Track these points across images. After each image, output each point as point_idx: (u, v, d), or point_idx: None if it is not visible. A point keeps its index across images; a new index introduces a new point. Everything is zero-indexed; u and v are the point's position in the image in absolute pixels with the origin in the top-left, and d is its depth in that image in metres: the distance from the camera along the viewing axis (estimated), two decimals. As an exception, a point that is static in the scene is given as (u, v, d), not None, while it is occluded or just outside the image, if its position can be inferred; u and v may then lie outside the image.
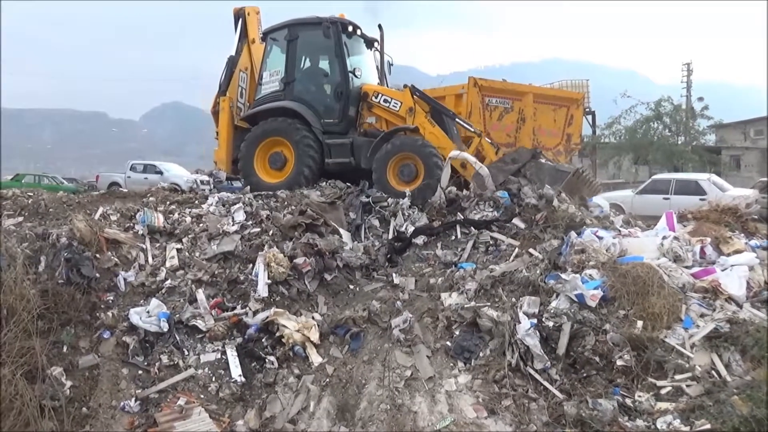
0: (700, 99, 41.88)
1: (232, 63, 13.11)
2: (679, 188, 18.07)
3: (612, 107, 39.36)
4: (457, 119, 11.43)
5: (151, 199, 10.12)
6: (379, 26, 13.23)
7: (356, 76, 12.04)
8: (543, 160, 10.46)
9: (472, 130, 11.27)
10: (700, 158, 37.82)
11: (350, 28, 12.24)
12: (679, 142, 40.94)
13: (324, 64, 12.49)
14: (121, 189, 14.60)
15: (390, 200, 9.83)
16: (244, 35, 13.32)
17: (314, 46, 12.38)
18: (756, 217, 9.22)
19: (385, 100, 11.75)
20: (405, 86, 11.88)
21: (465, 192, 10.00)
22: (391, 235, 9.16)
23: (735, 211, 8.93)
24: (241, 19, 13.35)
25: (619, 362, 5.91)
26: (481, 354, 6.51)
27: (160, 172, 31.11)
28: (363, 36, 12.72)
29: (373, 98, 11.86)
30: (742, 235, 8.18)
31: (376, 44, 13.16)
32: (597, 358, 6.04)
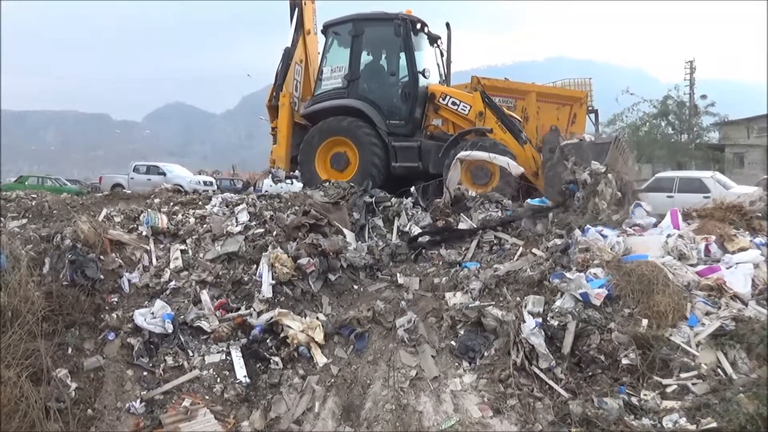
0: (703, 96, 41.84)
1: (288, 55, 12.73)
2: (683, 186, 18.04)
3: (618, 105, 39.35)
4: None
5: (155, 200, 10.12)
6: (447, 25, 12.98)
7: (425, 77, 11.80)
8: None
9: (524, 138, 11.20)
10: (704, 155, 37.79)
11: (418, 26, 12.00)
12: (683, 140, 40.90)
13: (390, 62, 12.21)
14: (124, 190, 14.64)
15: (393, 200, 9.79)
16: (300, 25, 12.96)
17: (380, 43, 12.13)
18: (760, 214, 9.18)
19: (453, 103, 11.53)
20: (474, 89, 11.66)
21: (471, 192, 9.96)
22: (395, 236, 9.13)
23: (739, 208, 8.89)
24: (297, 9, 12.99)
25: (624, 361, 5.90)
26: (485, 353, 6.50)
27: (164, 173, 31.18)
28: (428, 33, 12.46)
29: (441, 100, 11.64)
30: (747, 232, 8.14)
31: (438, 42, 12.88)
32: (602, 357, 6.03)
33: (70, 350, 6.83)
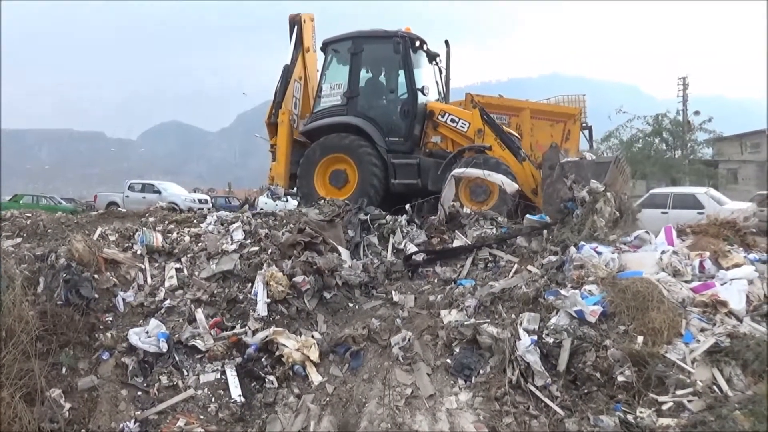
0: (697, 113, 42.09)
1: (287, 72, 12.78)
2: (677, 202, 18.08)
3: (611, 122, 39.56)
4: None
5: (149, 218, 10.11)
6: (446, 42, 13.05)
7: (424, 94, 11.82)
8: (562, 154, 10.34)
9: (522, 155, 11.24)
10: (698, 172, 37.96)
11: (417, 43, 12.06)
12: (677, 156, 41.08)
13: (389, 80, 12.26)
14: (119, 209, 14.61)
15: (388, 218, 9.79)
16: (299, 43, 13.03)
17: (380, 60, 12.19)
18: (754, 230, 9.21)
19: (452, 120, 11.56)
20: (474, 106, 11.70)
21: (465, 209, 9.97)
22: (390, 253, 9.14)
23: (733, 224, 8.93)
24: (296, 27, 13.07)
25: (620, 378, 5.89)
26: (481, 371, 6.49)
27: (159, 192, 31.17)
28: (427, 51, 12.53)
29: (440, 117, 11.67)
30: (741, 248, 8.18)
31: (437, 59, 12.94)
32: (598, 374, 6.02)
33: (64, 370, 6.79)
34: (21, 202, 33.07)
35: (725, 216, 9.49)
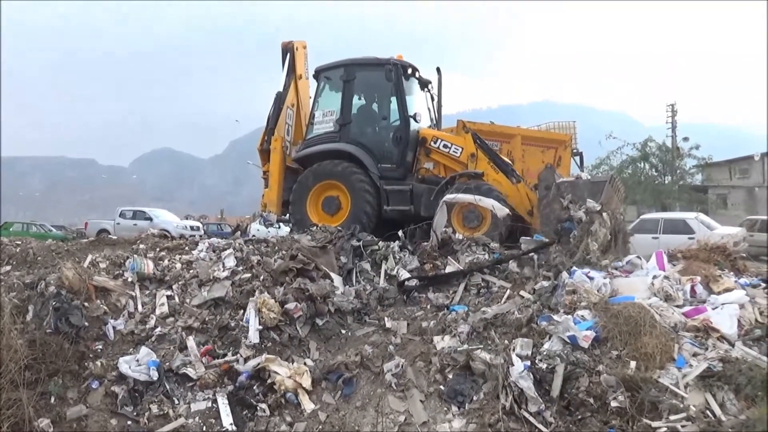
0: (686, 139, 42.53)
1: (280, 99, 12.83)
2: (668, 227, 18.16)
3: (601, 148, 39.90)
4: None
5: (140, 245, 10.08)
6: (438, 69, 13.16)
7: (416, 121, 11.90)
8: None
9: (516, 177, 11.31)
10: (688, 197, 38.22)
11: (409, 70, 12.14)
12: (666, 182, 41.39)
13: (381, 107, 12.33)
14: (110, 236, 14.56)
15: (381, 244, 9.80)
16: (291, 70, 13.11)
17: (372, 88, 12.25)
18: (744, 255, 9.26)
19: (445, 146, 11.63)
20: (466, 132, 11.78)
21: (458, 235, 9.98)
22: (382, 280, 9.12)
23: (724, 249, 8.97)
24: (289, 54, 13.16)
25: (613, 403, 5.86)
26: (474, 397, 6.46)
27: (150, 219, 31.10)
28: (419, 78, 12.62)
29: (432, 143, 11.73)
30: (732, 273, 8.20)
31: (429, 86, 13.04)
32: (591, 400, 5.99)
33: (53, 399, 6.73)
34: (11, 229, 32.93)
35: (715, 241, 9.53)
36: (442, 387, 6.67)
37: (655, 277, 7.64)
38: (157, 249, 9.91)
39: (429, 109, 13.10)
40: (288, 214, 12.38)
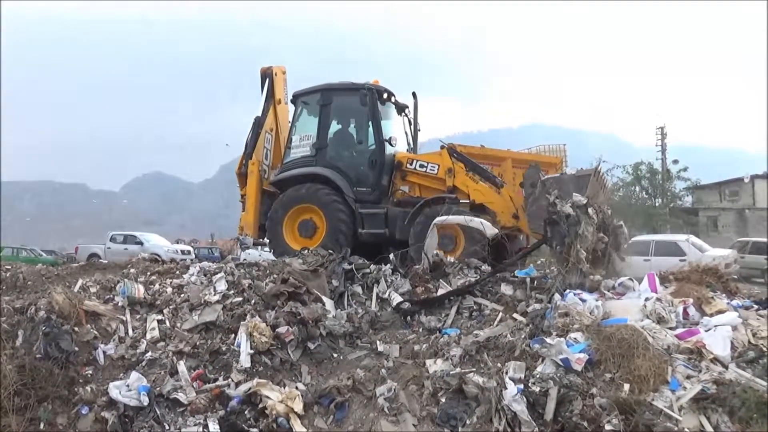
0: (675, 161, 42.86)
1: (258, 124, 12.94)
2: (659, 249, 18.19)
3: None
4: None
5: (131, 270, 10.04)
6: (413, 94, 13.30)
7: (391, 145, 11.99)
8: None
9: (499, 182, 11.33)
10: (679, 220, 38.39)
11: (385, 95, 12.27)
12: (657, 204, 41.61)
13: (358, 131, 12.44)
14: (100, 260, 14.51)
15: (372, 267, 9.79)
16: (270, 95, 13.22)
17: (348, 112, 12.37)
18: (736, 276, 9.29)
19: (421, 165, 11.72)
20: (442, 146, 11.85)
21: (450, 258, 9.98)
22: (374, 303, 9.09)
23: (715, 271, 9.00)
24: (268, 79, 13.27)
25: (607, 427, 5.84)
26: (468, 421, 6.41)
27: (141, 243, 31.00)
28: (396, 102, 12.73)
29: (408, 165, 11.82)
30: (724, 295, 8.23)
31: (406, 110, 13.15)
32: (585, 423, 5.96)
33: (42, 425, 6.67)
34: (1, 254, 32.75)
35: (707, 263, 9.56)
36: (434, 411, 6.61)
37: (647, 299, 7.65)
38: (148, 273, 9.88)
39: (406, 133, 13.27)
40: (265, 237, 12.45)
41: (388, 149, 12.06)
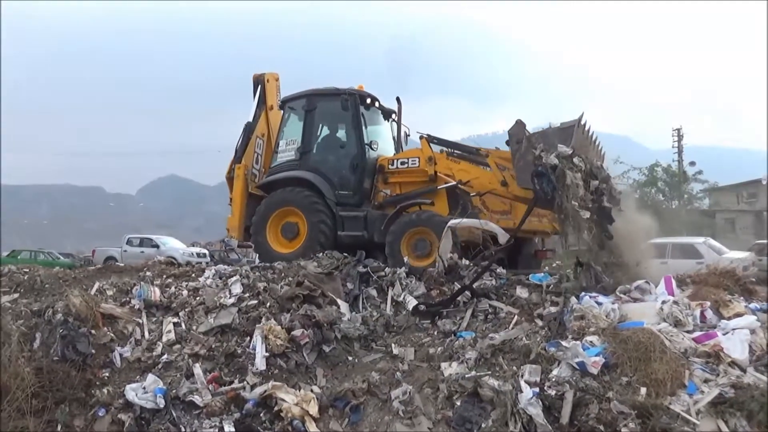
0: (692, 163, 42.53)
1: (249, 129, 13.19)
2: (676, 252, 18.03)
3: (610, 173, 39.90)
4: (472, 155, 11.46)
5: (147, 273, 10.10)
6: (397, 99, 13.40)
7: (372, 149, 12.10)
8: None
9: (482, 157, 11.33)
10: (696, 222, 38.09)
11: (368, 100, 12.34)
12: (673, 206, 41.32)
13: (341, 136, 12.57)
14: (117, 263, 14.60)
15: (387, 270, 9.79)
16: (262, 102, 13.49)
17: (332, 117, 12.49)
18: (754, 279, 9.20)
19: (402, 162, 11.78)
20: (421, 137, 11.91)
21: (464, 261, 9.96)
22: (389, 306, 9.09)
23: (733, 274, 8.91)
24: (260, 86, 13.54)
25: (624, 431, 5.81)
26: (483, 425, 6.39)
27: (157, 246, 31.09)
28: (381, 107, 12.83)
29: (390, 167, 11.89)
30: (742, 297, 8.15)
31: (393, 116, 13.26)
32: (602, 427, 5.93)
33: (59, 427, 6.72)
34: (19, 257, 33.00)
35: (725, 265, 9.47)
36: (450, 414, 6.61)
37: (664, 302, 7.58)
38: (164, 276, 9.94)
39: (394, 138, 13.40)
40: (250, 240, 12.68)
41: (373, 153, 12.21)
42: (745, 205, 46.63)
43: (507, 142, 10.23)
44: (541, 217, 10.94)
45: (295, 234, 11.73)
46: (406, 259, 10.33)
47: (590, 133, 10.26)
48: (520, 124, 9.89)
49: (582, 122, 9.71)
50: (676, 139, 44.89)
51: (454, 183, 11.09)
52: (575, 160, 8.73)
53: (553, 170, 8.61)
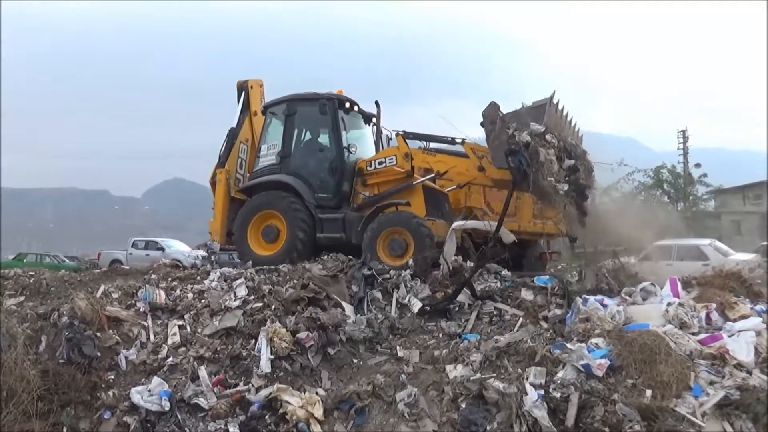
0: (698, 165, 42.43)
1: (232, 135, 13.42)
2: (682, 254, 17.96)
3: (612, 175, 39.79)
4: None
5: (152, 276, 10.12)
6: (376, 102, 13.51)
7: (350, 152, 12.20)
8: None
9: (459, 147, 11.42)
10: (701, 224, 38.00)
11: (347, 104, 12.47)
12: (679, 208, 41.22)
13: (321, 140, 12.71)
14: (122, 266, 14.64)
15: (392, 272, 9.79)
16: (246, 107, 13.68)
17: (311, 122, 12.62)
18: (760, 281, 9.17)
19: (380, 162, 11.87)
20: (396, 134, 12.02)
21: (469, 263, 9.95)
22: (394, 308, 9.09)
23: (739, 275, 8.89)
24: (244, 92, 13.74)
25: (629, 433, 5.80)
26: (488, 427, 6.39)
27: (162, 249, 31.17)
28: (361, 112, 12.97)
29: (368, 168, 11.97)
30: (748, 299, 8.12)
31: (374, 120, 13.37)
32: (607, 429, 5.92)
33: (65, 430, 6.74)
34: (24, 260, 33.12)
35: (730, 267, 9.45)
36: (455, 416, 6.60)
37: (669, 304, 7.58)
38: (169, 279, 9.96)
39: (375, 142, 13.49)
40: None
41: (352, 156, 12.30)
42: (751, 207, 46.47)
43: (481, 124, 10.27)
44: (546, 219, 10.93)
45: (275, 237, 11.87)
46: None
47: (564, 113, 10.33)
48: (493, 106, 9.96)
49: (555, 101, 9.79)
50: (681, 140, 44.85)
51: (431, 175, 11.18)
52: (548, 137, 8.86)
53: (526, 148, 8.70)
